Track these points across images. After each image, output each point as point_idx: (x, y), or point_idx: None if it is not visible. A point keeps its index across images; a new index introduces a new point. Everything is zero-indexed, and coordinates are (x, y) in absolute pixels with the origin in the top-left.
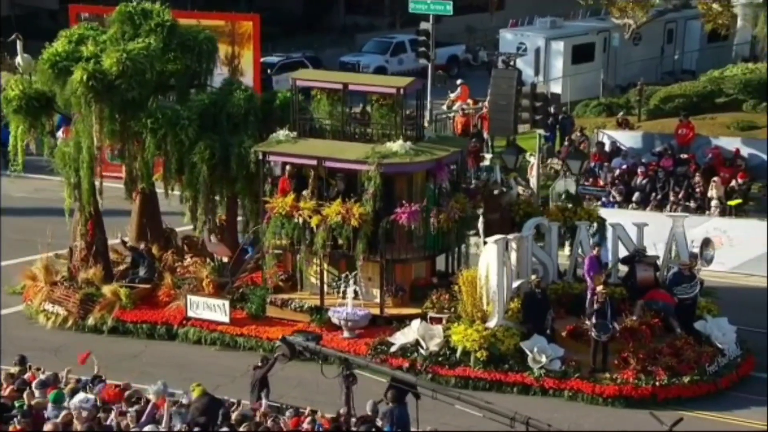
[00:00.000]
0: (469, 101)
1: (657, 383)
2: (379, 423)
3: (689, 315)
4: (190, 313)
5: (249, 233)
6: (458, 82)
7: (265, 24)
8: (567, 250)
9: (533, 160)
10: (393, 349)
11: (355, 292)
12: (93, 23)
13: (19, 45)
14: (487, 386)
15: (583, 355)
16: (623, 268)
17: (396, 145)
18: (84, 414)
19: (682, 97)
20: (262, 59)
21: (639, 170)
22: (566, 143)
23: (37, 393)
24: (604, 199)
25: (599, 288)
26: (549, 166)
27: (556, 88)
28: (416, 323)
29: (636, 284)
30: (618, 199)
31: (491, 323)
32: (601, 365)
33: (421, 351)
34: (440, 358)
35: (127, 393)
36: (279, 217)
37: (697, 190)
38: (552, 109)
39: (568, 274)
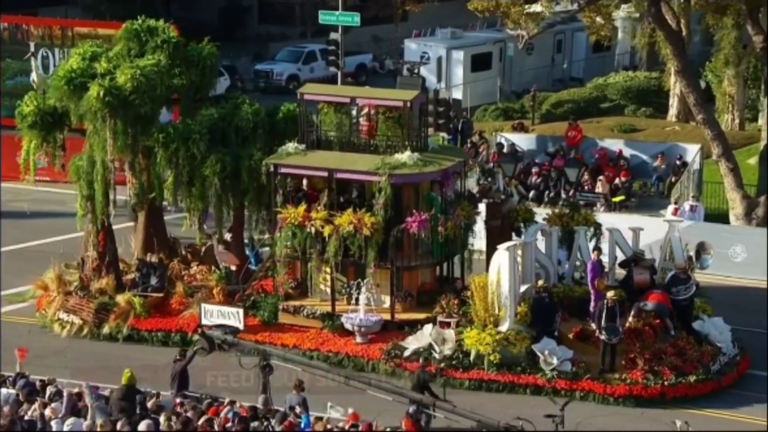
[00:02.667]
0: None
1: (665, 383)
2: (298, 410)
3: (687, 315)
4: (204, 321)
5: (261, 242)
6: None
7: (181, 34)
8: None
9: None
10: (407, 353)
11: (367, 298)
12: (98, 41)
13: (33, 62)
14: (501, 388)
15: (590, 356)
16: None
17: (404, 156)
18: (5, 409)
19: (571, 102)
20: None
21: (533, 170)
22: (467, 145)
23: None
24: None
25: (609, 293)
26: None
27: (458, 94)
28: (429, 328)
29: (633, 287)
30: (515, 196)
31: (503, 327)
32: (610, 366)
33: (435, 355)
34: (454, 362)
35: (49, 388)
36: (291, 227)
37: (586, 187)
38: (452, 114)
39: (567, 277)
